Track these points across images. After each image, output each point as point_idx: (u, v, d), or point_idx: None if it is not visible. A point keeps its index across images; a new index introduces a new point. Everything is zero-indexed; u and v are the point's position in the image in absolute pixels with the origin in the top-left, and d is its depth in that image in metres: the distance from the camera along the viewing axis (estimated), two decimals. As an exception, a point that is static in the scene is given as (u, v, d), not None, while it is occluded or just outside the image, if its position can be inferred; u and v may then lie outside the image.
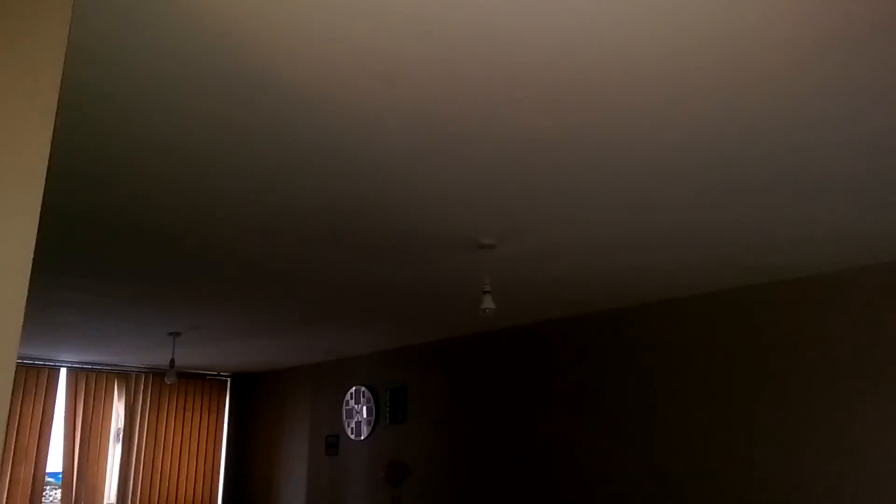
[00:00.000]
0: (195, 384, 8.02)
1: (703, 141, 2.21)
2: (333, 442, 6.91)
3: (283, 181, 2.51)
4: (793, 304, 3.85)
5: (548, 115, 2.03)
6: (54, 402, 7.00)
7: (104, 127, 2.08)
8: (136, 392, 7.57)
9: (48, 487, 7.25)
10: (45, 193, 2.55)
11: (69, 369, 7.14)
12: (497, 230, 3.07)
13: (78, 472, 7.02)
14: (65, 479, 6.95)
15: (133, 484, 7.36)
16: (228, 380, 8.31)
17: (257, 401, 8.23)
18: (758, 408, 3.89)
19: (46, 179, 2.42)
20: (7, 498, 6.55)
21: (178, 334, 5.61)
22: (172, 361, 5.68)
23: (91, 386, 7.27)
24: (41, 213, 1.10)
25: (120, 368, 7.41)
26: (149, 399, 7.65)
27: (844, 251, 3.40)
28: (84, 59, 1.72)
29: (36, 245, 3.34)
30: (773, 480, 3.76)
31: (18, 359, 6.58)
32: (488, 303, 3.13)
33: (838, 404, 3.60)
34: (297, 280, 3.99)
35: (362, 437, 6.57)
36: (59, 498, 7.10)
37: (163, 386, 7.72)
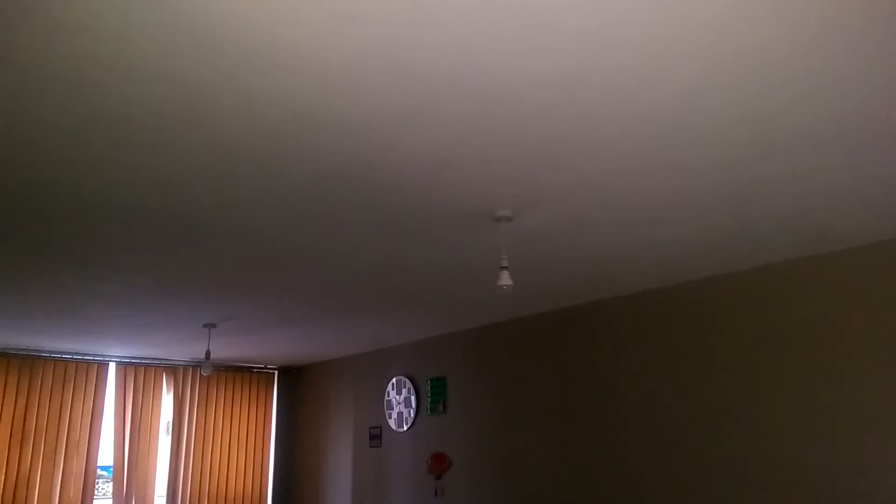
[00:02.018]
0: (243, 377, 8.02)
1: (721, 83, 1.93)
2: (377, 434, 6.78)
3: (271, 154, 2.34)
4: (851, 276, 3.49)
5: (546, 56, 1.79)
6: (104, 396, 7.08)
7: (79, 104, 1.95)
8: (184, 385, 7.60)
9: (100, 481, 7.37)
10: (69, 185, 2.39)
11: (118, 363, 7.21)
12: (512, 201, 2.83)
13: (128, 465, 7.09)
14: (116, 472, 7.04)
15: (183, 477, 7.40)
16: (276, 372, 8.29)
17: (304, 393, 8.18)
18: (829, 385, 3.55)
19: (58, 171, 2.27)
20: (60, 491, 6.66)
21: (213, 325, 5.56)
22: (208, 353, 5.64)
23: (140, 380, 7.33)
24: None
25: (168, 362, 7.46)
26: (197, 392, 7.67)
27: (908, 213, 3.04)
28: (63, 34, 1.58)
29: (60, 237, 3.23)
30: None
31: (67, 354, 6.73)
32: (505, 279, 2.90)
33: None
34: (318, 268, 3.84)
35: (404, 429, 6.41)
36: (110, 491, 7.19)
37: (211, 379, 7.74)
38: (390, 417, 6.62)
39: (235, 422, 7.86)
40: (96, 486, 7.04)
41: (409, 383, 6.45)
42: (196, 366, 7.58)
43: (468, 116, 2.11)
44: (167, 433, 7.45)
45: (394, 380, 6.66)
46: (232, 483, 7.70)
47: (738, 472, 3.81)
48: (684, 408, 4.14)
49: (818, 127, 2.22)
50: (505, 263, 2.94)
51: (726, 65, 1.85)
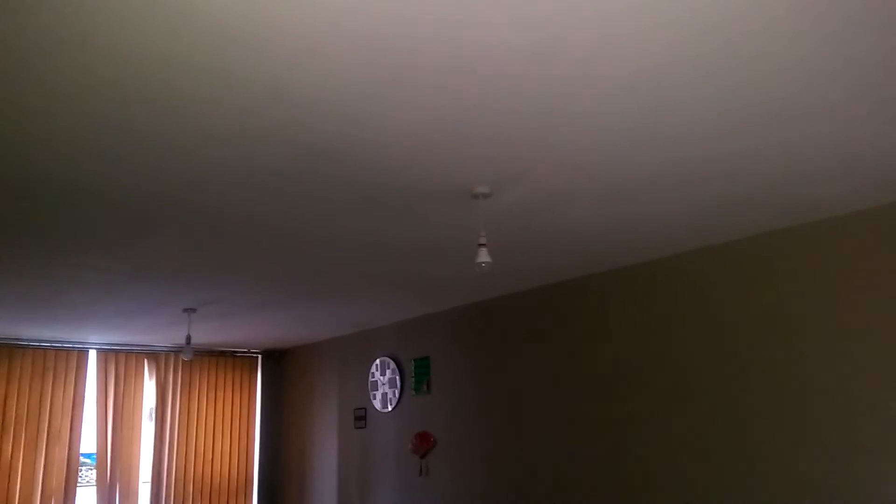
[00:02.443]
0: (226, 362, 7.97)
1: (698, 55, 1.90)
2: (361, 415, 6.79)
3: (244, 133, 2.30)
4: (826, 248, 3.50)
5: (517, 28, 1.75)
6: (84, 383, 7.02)
7: (48, 83, 1.89)
8: (166, 371, 7.55)
9: (83, 468, 7.33)
10: (41, 168, 2.34)
11: (98, 350, 7.14)
12: (490, 176, 2.80)
13: (112, 452, 7.05)
14: (99, 459, 6.99)
15: (167, 463, 7.37)
16: (259, 356, 8.25)
17: (288, 376, 8.16)
18: (810, 363, 3.58)
19: (32, 152, 2.22)
20: (43, 479, 6.61)
21: (193, 310, 5.51)
22: (188, 338, 5.59)
23: (121, 366, 7.26)
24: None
25: (149, 348, 7.39)
26: (180, 378, 7.62)
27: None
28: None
29: (35, 223, 3.17)
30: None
31: (46, 342, 6.65)
32: (484, 256, 2.88)
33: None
34: (297, 250, 3.81)
35: (389, 409, 6.42)
36: (94, 478, 7.15)
37: (193, 364, 7.68)
38: (375, 398, 6.62)
39: (219, 406, 7.83)
40: (79, 474, 7.00)
41: (393, 364, 6.45)
42: (178, 351, 7.52)
43: (441, 91, 2.07)
44: (150, 419, 7.40)
45: (378, 361, 6.65)
46: (217, 467, 7.68)
47: (727, 445, 3.84)
48: (667, 383, 4.16)
49: (800, 97, 2.20)
50: (483, 240, 2.92)
51: (703, 36, 1.82)
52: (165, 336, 6.79)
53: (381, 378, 6.57)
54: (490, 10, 1.67)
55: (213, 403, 7.79)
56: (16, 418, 6.56)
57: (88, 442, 7.03)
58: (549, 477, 4.80)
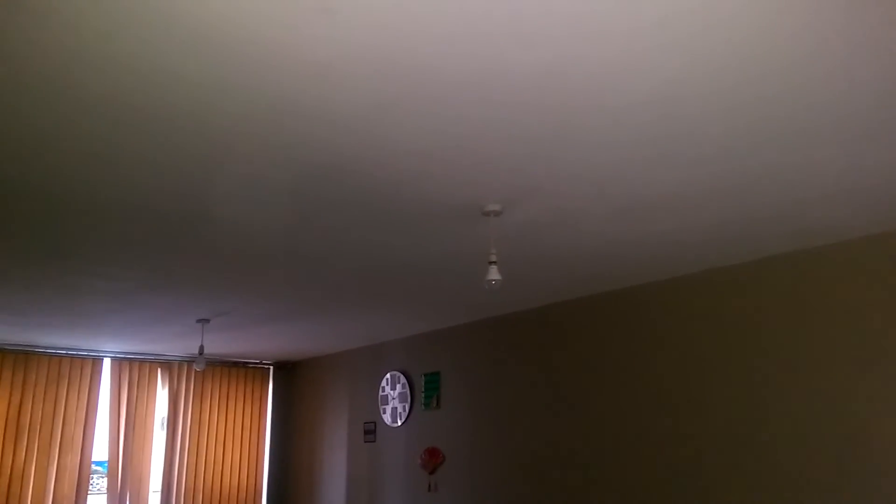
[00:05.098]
0: (238, 372, 8.01)
1: (709, 73, 1.92)
2: (371, 429, 6.79)
3: (256, 150, 2.34)
4: (839, 270, 3.49)
5: (526, 45, 1.78)
6: (98, 391, 7.08)
7: (65, 102, 1.94)
8: (179, 381, 7.60)
9: (94, 476, 7.37)
10: (62, 180, 2.39)
11: (112, 359, 7.21)
12: (501, 194, 2.83)
13: (123, 460, 7.09)
14: (110, 467, 7.03)
15: (178, 472, 7.40)
16: (271, 368, 8.29)
17: (299, 388, 8.18)
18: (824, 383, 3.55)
19: (54, 165, 2.26)
20: (55, 486, 6.66)
21: (206, 321, 5.55)
22: (202, 348, 5.63)
23: (134, 375, 7.32)
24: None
25: (162, 358, 7.45)
26: (192, 388, 7.67)
27: (897, 207, 3.03)
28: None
29: (53, 234, 3.25)
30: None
31: (60, 349, 6.73)
32: (494, 274, 2.90)
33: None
34: (310, 263, 3.84)
35: (398, 424, 6.42)
36: (105, 486, 7.19)
37: (206, 374, 7.73)
38: (384, 412, 6.63)
39: (230, 417, 7.86)
40: (91, 482, 7.04)
41: (403, 378, 6.46)
42: (191, 361, 7.57)
43: (450, 107, 2.10)
44: (162, 428, 7.44)
45: (388, 375, 6.66)
46: (227, 478, 7.70)
47: (742, 464, 3.82)
48: (680, 400, 4.14)
49: (807, 118, 2.21)
50: (494, 258, 2.94)
51: (713, 54, 1.84)
52: (179, 346, 6.84)
53: (392, 392, 6.58)
54: (500, 28, 1.70)
55: (225, 414, 7.82)
56: (30, 424, 6.62)
57: (100, 450, 7.08)
58: (558, 494, 4.78)
